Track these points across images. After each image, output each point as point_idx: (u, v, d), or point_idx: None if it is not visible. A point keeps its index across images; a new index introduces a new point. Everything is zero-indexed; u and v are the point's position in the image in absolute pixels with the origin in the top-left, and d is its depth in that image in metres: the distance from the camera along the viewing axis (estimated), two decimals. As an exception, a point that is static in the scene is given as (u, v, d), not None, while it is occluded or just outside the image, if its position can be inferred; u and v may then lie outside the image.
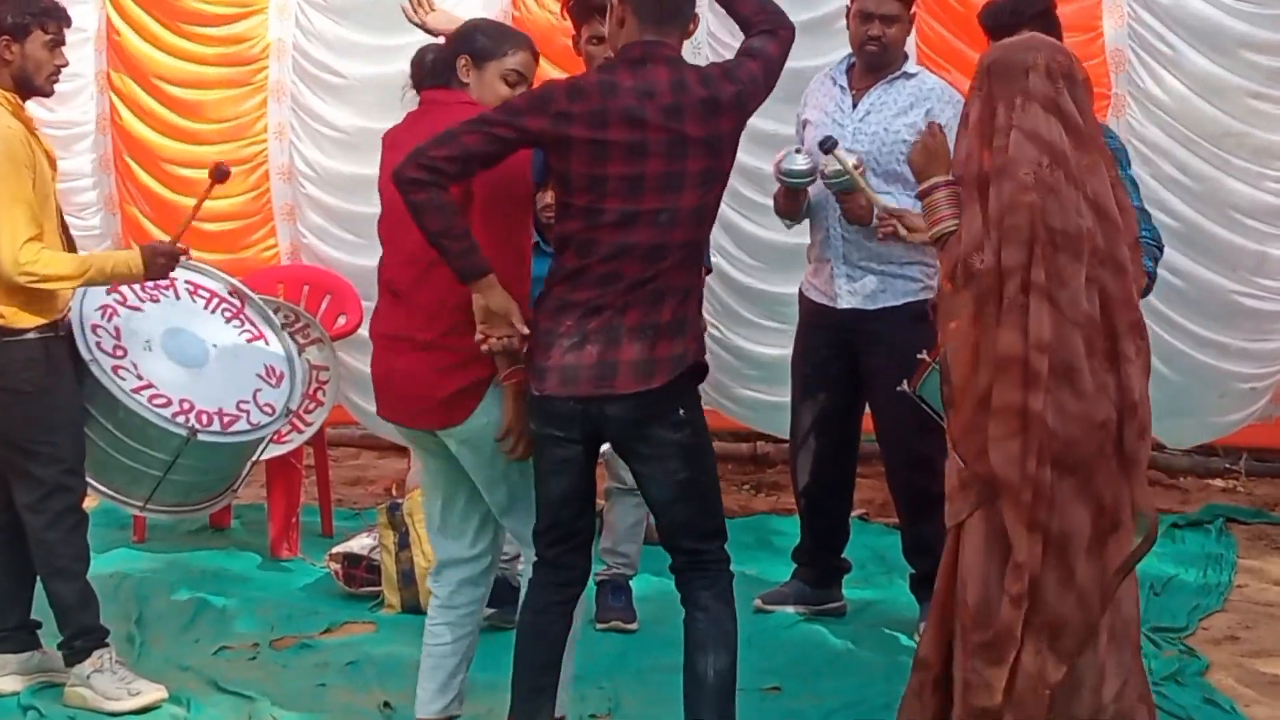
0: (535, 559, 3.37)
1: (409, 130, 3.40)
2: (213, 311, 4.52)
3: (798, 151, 4.28)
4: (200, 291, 4.54)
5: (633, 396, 3.15)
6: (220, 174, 4.10)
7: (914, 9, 4.49)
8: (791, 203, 4.40)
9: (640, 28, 3.19)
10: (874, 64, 4.39)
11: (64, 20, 3.93)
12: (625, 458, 3.38)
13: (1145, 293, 4.00)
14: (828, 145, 4.08)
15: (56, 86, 3.98)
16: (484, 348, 3.24)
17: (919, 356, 3.74)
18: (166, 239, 4.20)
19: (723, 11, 3.46)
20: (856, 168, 4.12)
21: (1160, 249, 3.93)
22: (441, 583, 3.56)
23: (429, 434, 3.45)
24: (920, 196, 3.27)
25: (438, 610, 3.56)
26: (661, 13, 3.19)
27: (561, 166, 3.19)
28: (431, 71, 3.45)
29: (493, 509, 3.49)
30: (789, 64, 3.36)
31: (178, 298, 4.46)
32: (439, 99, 3.41)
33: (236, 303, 4.60)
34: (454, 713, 3.58)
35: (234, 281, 4.66)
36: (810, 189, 4.37)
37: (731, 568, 3.35)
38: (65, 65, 3.94)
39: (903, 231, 3.95)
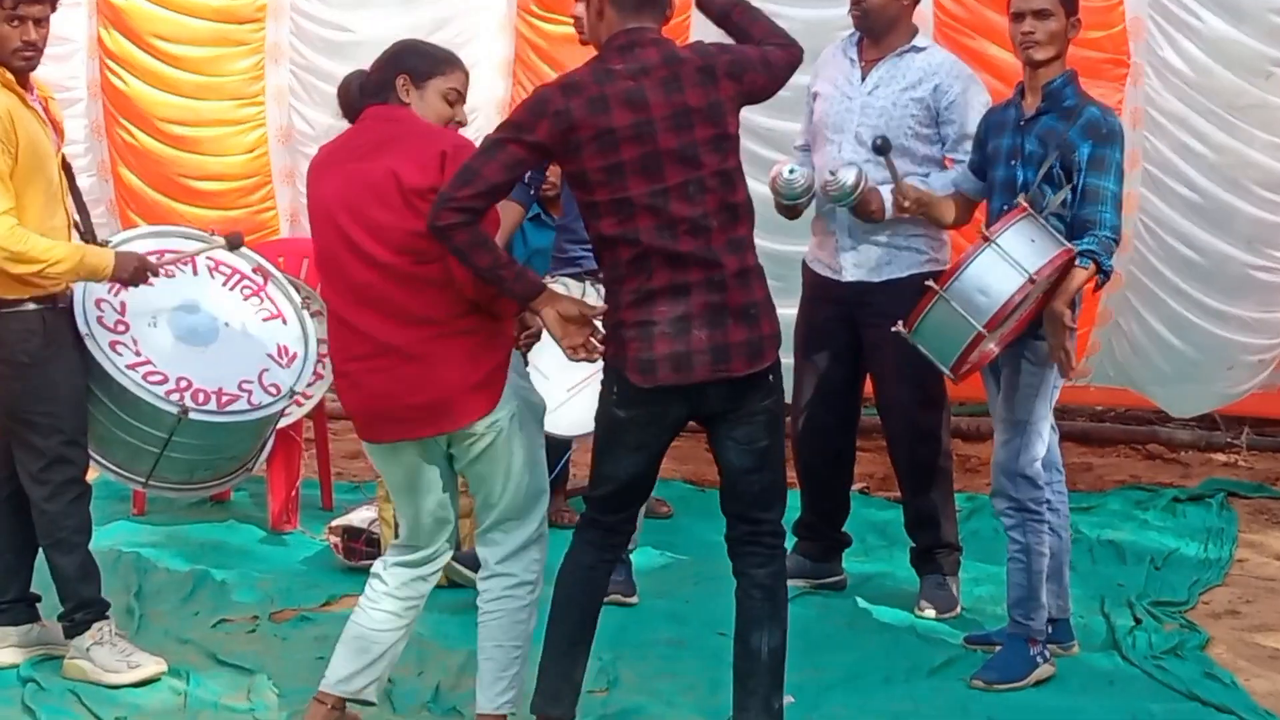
0: (586, 520, 3.38)
1: (344, 147, 3.34)
2: (231, 289, 4.47)
3: (792, 172, 4.23)
4: (221, 268, 4.48)
5: (744, 377, 3.18)
6: (233, 243, 4.30)
7: None
8: (790, 212, 4.37)
9: (620, 18, 3.19)
10: (865, 32, 4.36)
11: None
12: (711, 426, 3.33)
13: (1100, 285, 3.94)
14: (880, 145, 4.03)
15: (47, 50, 3.88)
16: (580, 356, 3.23)
17: (926, 284, 3.69)
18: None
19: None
20: (856, 186, 4.11)
21: (1117, 243, 3.84)
22: (393, 575, 3.47)
23: (424, 446, 3.33)
24: None
25: (383, 596, 3.46)
26: (639, 1, 3.19)
27: (575, 166, 3.15)
28: (362, 95, 3.38)
29: (498, 513, 3.38)
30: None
31: (195, 274, 4.41)
32: (386, 115, 3.31)
33: (259, 280, 4.55)
34: (369, 698, 3.50)
35: (260, 260, 4.59)
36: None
37: (785, 544, 3.39)
38: (33, 40, 3.75)
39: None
